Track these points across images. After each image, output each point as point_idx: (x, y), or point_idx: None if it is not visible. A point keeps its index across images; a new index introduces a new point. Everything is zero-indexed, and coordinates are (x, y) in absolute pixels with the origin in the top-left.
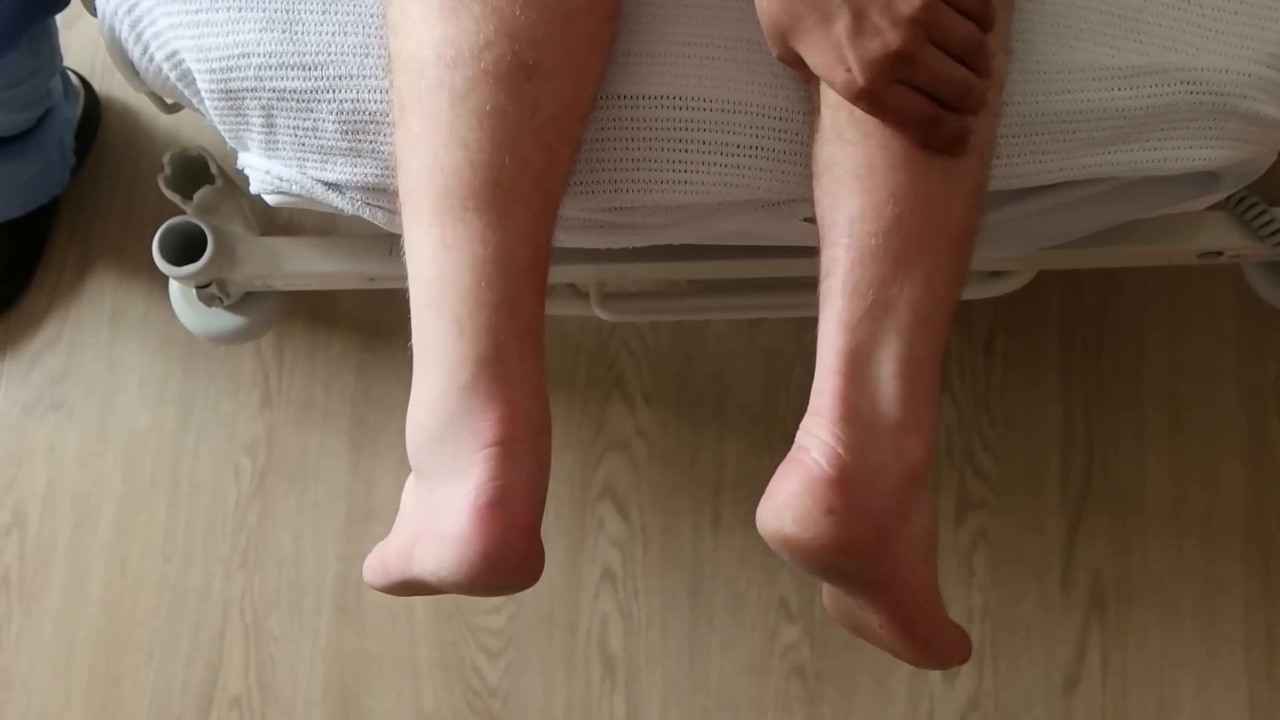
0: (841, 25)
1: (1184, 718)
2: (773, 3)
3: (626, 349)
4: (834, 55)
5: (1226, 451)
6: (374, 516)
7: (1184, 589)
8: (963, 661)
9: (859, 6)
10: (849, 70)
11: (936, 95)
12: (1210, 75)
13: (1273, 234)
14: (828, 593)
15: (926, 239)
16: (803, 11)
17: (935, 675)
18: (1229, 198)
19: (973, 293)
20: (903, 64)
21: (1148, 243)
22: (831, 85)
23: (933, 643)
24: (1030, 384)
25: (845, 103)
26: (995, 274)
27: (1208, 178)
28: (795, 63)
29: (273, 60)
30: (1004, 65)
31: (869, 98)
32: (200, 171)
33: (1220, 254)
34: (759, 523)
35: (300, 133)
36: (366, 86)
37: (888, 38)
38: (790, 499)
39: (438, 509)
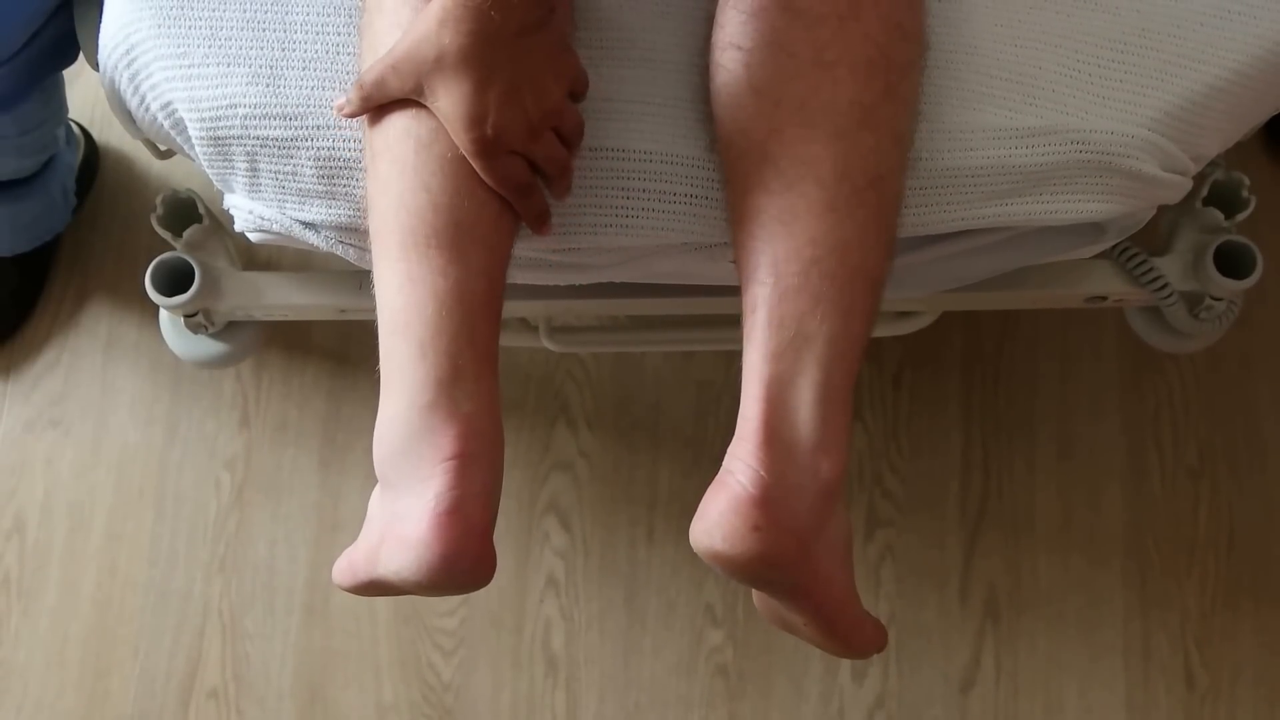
0: (498, 90)
1: (1068, 717)
2: (440, 41)
3: (571, 378)
4: (475, 110)
5: (1109, 478)
6: (341, 527)
7: (1069, 601)
8: (879, 650)
9: (515, 81)
10: (485, 127)
11: (541, 167)
12: (1098, 136)
13: (1152, 281)
14: (758, 595)
15: (844, 280)
16: (465, 63)
17: (845, 676)
18: (1113, 247)
19: (883, 330)
20: (533, 137)
21: (1040, 287)
22: (456, 132)
23: (852, 637)
24: (934, 415)
25: (773, 156)
26: (903, 314)
27: (1094, 229)
28: (407, 89)
29: (257, 111)
30: (913, 127)
31: (488, 155)
32: (189, 211)
33: (1105, 299)
34: (692, 540)
35: (281, 176)
36: (341, 136)
37: (531, 113)
38: (719, 518)
39: (401, 516)
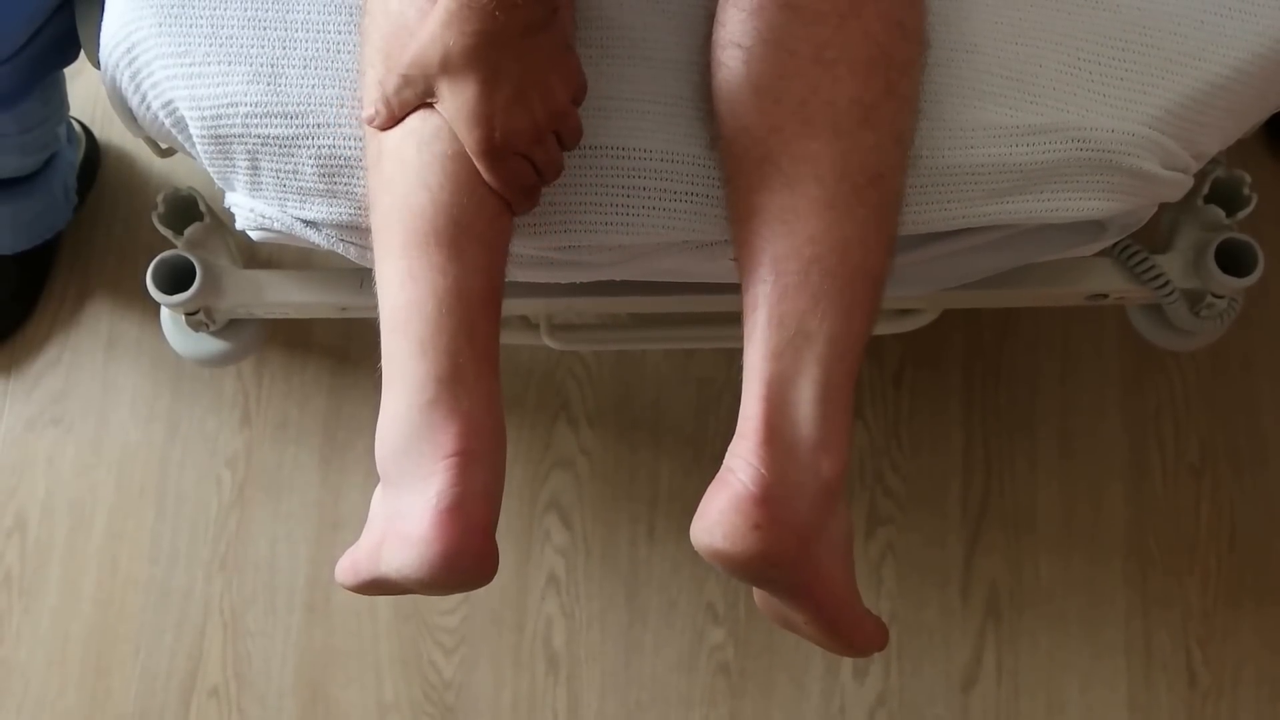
0: (505, 92)
1: (1069, 716)
2: (445, 42)
3: (572, 376)
4: (481, 112)
5: (1110, 476)
6: (342, 525)
7: (1071, 599)
8: (881, 649)
9: (522, 84)
10: (492, 129)
11: (541, 170)
12: (1098, 134)
13: (1153, 279)
14: (759, 594)
15: (844, 278)
16: (470, 64)
17: (847, 675)
18: (1114, 245)
19: (883, 329)
20: (538, 140)
21: (1041, 285)
22: (462, 133)
23: (854, 635)
24: (935, 413)
25: (773, 154)
26: (904, 312)
27: (1095, 226)
28: (420, 94)
29: (258, 109)
30: (913, 125)
31: (494, 157)
32: (190, 209)
33: (1106, 296)
34: (693, 538)
35: (282, 175)
36: (342, 134)
37: (538, 116)
38: (720, 517)
39: (403, 514)
